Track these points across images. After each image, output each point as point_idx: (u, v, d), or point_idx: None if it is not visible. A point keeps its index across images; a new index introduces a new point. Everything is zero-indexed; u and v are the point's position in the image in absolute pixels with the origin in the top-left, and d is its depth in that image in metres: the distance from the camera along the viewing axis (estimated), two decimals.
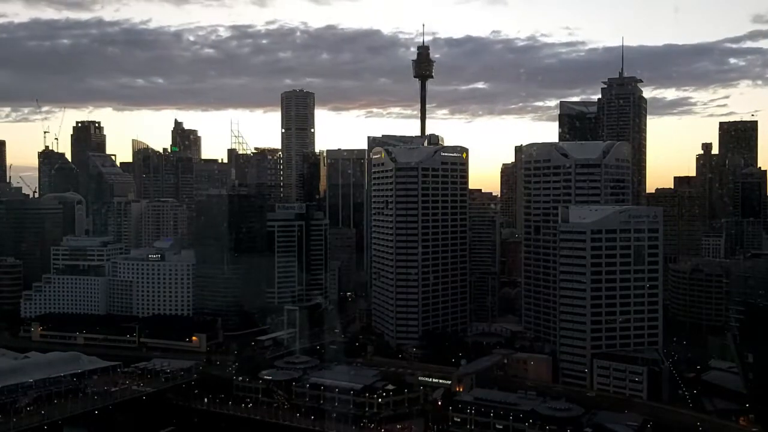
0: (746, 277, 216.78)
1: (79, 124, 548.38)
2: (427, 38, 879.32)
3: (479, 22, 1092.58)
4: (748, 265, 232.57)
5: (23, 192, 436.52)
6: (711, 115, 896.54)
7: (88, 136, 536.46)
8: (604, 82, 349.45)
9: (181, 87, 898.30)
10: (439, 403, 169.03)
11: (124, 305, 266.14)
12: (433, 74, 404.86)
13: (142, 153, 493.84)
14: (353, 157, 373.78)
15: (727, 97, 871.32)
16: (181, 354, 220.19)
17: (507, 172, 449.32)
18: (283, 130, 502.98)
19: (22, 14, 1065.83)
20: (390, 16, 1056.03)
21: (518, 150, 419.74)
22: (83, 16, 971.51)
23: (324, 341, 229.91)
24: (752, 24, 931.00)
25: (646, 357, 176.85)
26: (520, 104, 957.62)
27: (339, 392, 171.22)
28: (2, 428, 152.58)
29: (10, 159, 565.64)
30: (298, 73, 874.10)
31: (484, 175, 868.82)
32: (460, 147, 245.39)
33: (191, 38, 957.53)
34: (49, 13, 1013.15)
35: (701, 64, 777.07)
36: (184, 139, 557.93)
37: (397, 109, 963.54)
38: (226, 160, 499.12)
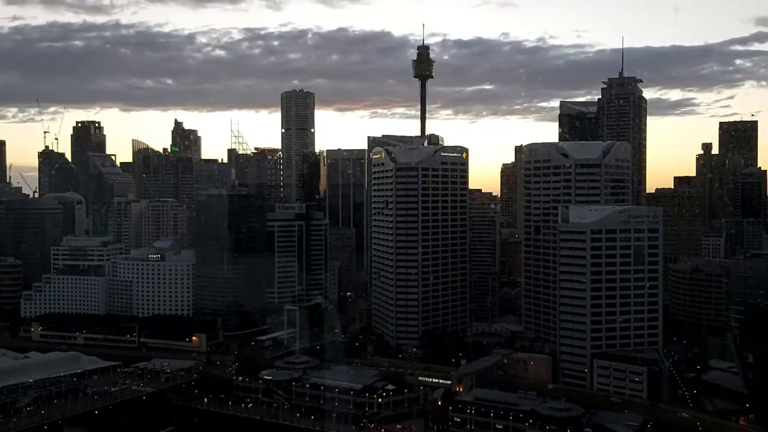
0: (746, 277, 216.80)
1: (79, 124, 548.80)
2: (437, 39, 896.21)
3: (489, 24, 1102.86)
4: (748, 265, 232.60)
5: (23, 192, 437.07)
6: (713, 116, 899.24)
7: (88, 136, 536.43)
8: (604, 82, 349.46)
9: (190, 88, 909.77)
10: (439, 403, 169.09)
11: (124, 305, 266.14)
12: (433, 74, 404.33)
13: (142, 153, 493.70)
14: (353, 157, 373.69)
15: (731, 97, 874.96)
16: (181, 354, 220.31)
17: (507, 172, 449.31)
18: (283, 130, 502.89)
19: (40, 17, 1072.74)
20: (402, 18, 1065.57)
21: (518, 150, 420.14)
22: (100, 19, 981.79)
23: (324, 341, 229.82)
24: (755, 26, 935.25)
25: (646, 357, 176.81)
26: (525, 105, 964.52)
27: (339, 392, 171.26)
28: (2, 428, 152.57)
29: (10, 159, 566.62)
30: (306, 74, 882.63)
31: (484, 175, 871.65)
32: (460, 147, 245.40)
33: (203, 40, 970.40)
34: (67, 17, 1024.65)
35: (706, 65, 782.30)
36: (184, 139, 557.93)
37: (401, 110, 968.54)
38: (226, 160, 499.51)
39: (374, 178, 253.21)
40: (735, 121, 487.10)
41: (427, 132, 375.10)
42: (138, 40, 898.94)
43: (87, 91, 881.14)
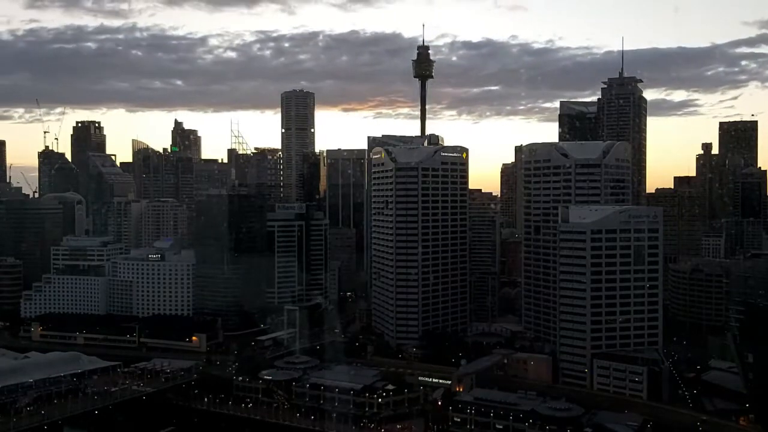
0: (746, 277, 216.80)
1: (79, 125, 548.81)
2: (446, 41, 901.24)
3: (499, 27, 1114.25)
4: (748, 265, 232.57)
5: (23, 191, 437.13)
6: (715, 117, 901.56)
7: (88, 136, 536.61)
8: (604, 82, 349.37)
9: (197, 89, 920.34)
10: (439, 403, 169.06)
11: (124, 305, 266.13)
12: (432, 74, 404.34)
13: (142, 153, 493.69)
14: (353, 157, 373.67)
15: (735, 98, 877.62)
16: (181, 354, 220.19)
17: (507, 172, 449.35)
18: (283, 130, 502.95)
19: (58, 21, 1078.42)
20: (415, 21, 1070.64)
21: (518, 150, 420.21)
22: (117, 23, 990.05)
23: (324, 341, 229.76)
24: (759, 29, 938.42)
25: (646, 357, 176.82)
26: (529, 105, 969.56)
27: (339, 392, 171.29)
28: (2, 428, 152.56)
29: (10, 159, 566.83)
30: (314, 75, 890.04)
31: (484, 175, 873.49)
32: (460, 147, 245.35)
33: (215, 42, 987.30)
34: (85, 20, 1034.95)
35: (711, 66, 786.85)
36: (184, 139, 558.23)
37: (405, 110, 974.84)
38: (226, 160, 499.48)
39: (374, 178, 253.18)
40: (735, 121, 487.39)
41: (428, 132, 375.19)
42: (150, 42, 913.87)
43: (94, 92, 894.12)
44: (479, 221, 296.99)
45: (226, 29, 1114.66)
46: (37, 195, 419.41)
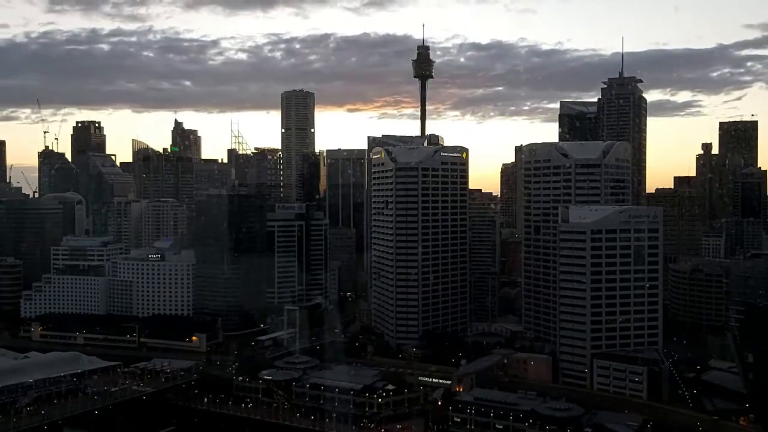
0: (746, 277, 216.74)
1: (79, 124, 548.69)
2: (455, 42, 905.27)
3: (508, 29, 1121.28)
4: (748, 265, 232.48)
5: (23, 191, 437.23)
6: (719, 118, 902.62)
7: (88, 136, 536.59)
8: (604, 82, 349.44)
9: (205, 90, 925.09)
10: (439, 403, 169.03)
11: (124, 305, 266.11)
12: (432, 74, 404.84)
13: (142, 153, 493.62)
14: (353, 157, 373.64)
15: (739, 98, 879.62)
16: (181, 354, 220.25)
17: (507, 172, 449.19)
18: (283, 130, 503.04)
19: (77, 24, 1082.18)
20: (426, 24, 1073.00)
21: (518, 150, 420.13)
22: (133, 26, 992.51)
23: (324, 341, 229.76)
24: (763, 31, 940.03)
25: (646, 357, 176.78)
26: (533, 106, 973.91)
27: (339, 392, 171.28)
28: (2, 428, 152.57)
29: (10, 159, 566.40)
30: (322, 75, 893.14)
31: (485, 175, 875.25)
32: (460, 147, 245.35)
33: (227, 44, 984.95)
34: (102, 24, 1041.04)
35: (716, 67, 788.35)
36: (184, 139, 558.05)
37: (410, 110, 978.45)
38: (226, 160, 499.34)
39: (374, 178, 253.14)
40: (735, 121, 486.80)
41: (429, 132, 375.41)
42: (163, 44, 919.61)
43: (102, 92, 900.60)
44: (479, 221, 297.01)
45: (240, 32, 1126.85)
46: (37, 195, 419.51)
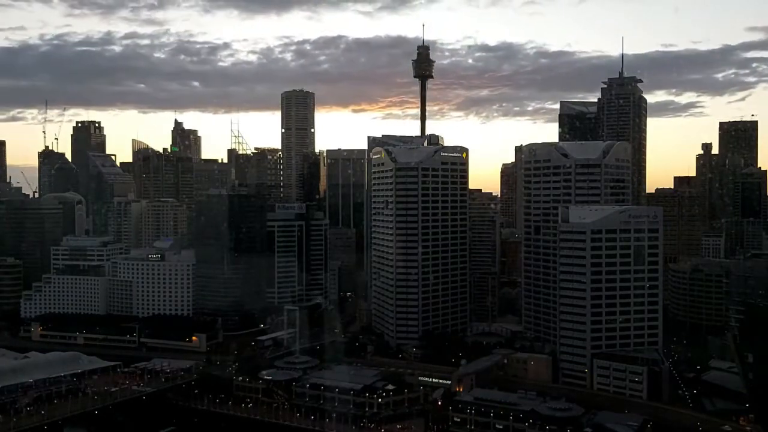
0: (746, 277, 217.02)
1: (79, 124, 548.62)
2: (465, 43, 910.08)
3: (517, 31, 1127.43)
4: (748, 265, 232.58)
5: (23, 191, 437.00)
6: (721, 118, 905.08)
7: (88, 136, 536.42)
8: (604, 83, 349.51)
9: (214, 90, 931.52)
10: (439, 403, 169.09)
11: (124, 305, 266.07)
12: (432, 74, 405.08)
13: (142, 153, 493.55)
14: (353, 157, 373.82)
15: (743, 99, 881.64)
16: (181, 354, 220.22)
17: (507, 172, 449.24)
18: (283, 130, 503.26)
19: (95, 28, 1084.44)
20: (438, 27, 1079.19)
21: (518, 150, 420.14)
22: (149, 29, 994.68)
23: (324, 341, 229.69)
24: (766, 34, 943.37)
25: (646, 357, 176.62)
26: (537, 106, 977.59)
27: (339, 392, 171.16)
28: (2, 428, 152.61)
29: (10, 159, 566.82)
30: (330, 76, 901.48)
31: (485, 175, 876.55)
32: (460, 147, 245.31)
33: (238, 46, 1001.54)
34: (120, 27, 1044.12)
35: (721, 68, 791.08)
36: (184, 139, 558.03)
37: (414, 110, 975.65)
38: (226, 160, 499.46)
39: (374, 178, 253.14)
40: (735, 121, 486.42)
41: (429, 132, 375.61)
42: (176, 46, 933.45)
43: (110, 93, 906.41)
44: (479, 221, 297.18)
45: (253, 35, 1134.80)
46: (37, 195, 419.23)
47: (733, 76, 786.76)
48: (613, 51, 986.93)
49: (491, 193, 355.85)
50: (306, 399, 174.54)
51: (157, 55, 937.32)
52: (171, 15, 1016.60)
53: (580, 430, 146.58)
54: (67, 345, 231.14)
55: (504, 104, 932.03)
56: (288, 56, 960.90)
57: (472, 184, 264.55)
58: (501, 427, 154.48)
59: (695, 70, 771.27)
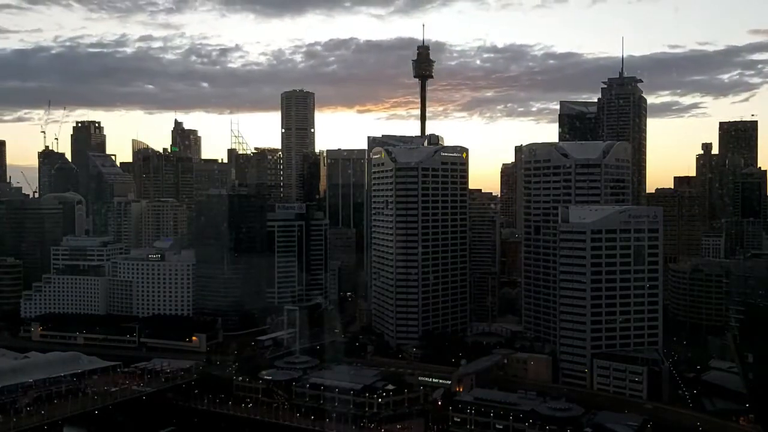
0: (746, 277, 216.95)
1: (80, 124, 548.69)
2: (475, 45, 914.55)
3: (526, 33, 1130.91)
4: (748, 265, 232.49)
5: (23, 191, 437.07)
6: (724, 119, 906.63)
7: (88, 136, 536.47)
8: (604, 83, 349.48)
9: (221, 91, 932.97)
10: (439, 403, 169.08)
11: (124, 305, 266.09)
12: (432, 74, 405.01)
13: (142, 153, 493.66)
14: (353, 157, 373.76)
15: (747, 100, 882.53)
16: (181, 354, 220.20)
17: (507, 172, 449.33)
18: (283, 130, 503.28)
19: (111, 31, 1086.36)
20: (449, 29, 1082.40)
21: (518, 150, 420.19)
22: (164, 33, 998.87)
23: (324, 341, 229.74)
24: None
25: (646, 357, 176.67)
26: (540, 107, 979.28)
27: (339, 392, 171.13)
28: (2, 428, 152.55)
29: (10, 159, 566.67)
30: (337, 77, 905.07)
31: (485, 175, 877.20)
32: (460, 147, 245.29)
33: (249, 48, 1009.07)
34: (137, 30, 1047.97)
35: (727, 68, 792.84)
36: (184, 139, 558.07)
37: (418, 111, 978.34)
38: (226, 160, 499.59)
39: (374, 178, 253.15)
40: (735, 121, 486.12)
41: (429, 132, 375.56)
42: (188, 47, 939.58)
43: (117, 94, 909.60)
44: (479, 221, 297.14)
45: (266, 38, 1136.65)
46: (37, 195, 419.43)
47: (737, 77, 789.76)
48: (621, 52, 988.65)
49: (491, 193, 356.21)
50: (306, 399, 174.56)
51: (167, 56, 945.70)
52: (188, 19, 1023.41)
53: (580, 430, 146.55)
54: (67, 345, 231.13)
55: (509, 105, 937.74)
56: (297, 57, 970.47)
57: (473, 184, 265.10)
58: (501, 427, 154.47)
59: (700, 71, 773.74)
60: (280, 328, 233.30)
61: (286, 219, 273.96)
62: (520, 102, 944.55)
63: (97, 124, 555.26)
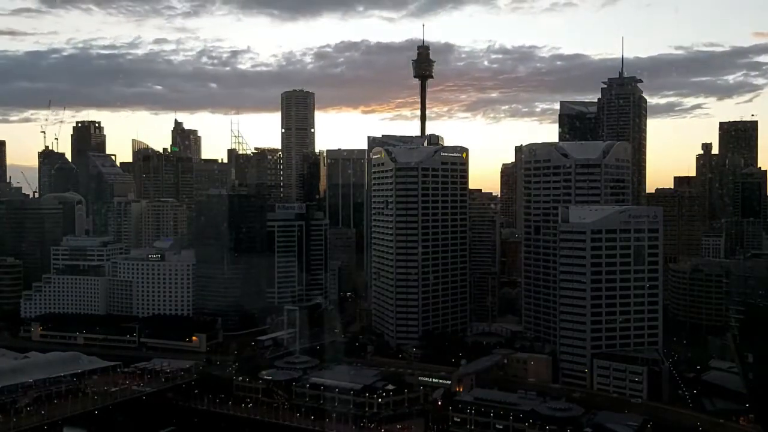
0: (746, 277, 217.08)
1: (80, 124, 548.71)
2: (484, 46, 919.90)
3: (533, 34, 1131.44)
4: (748, 265, 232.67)
5: (23, 191, 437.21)
6: (726, 119, 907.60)
7: (88, 136, 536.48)
8: (604, 83, 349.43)
9: (229, 92, 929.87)
10: (439, 403, 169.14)
11: (124, 305, 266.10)
12: (432, 74, 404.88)
13: (142, 153, 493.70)
14: (353, 157, 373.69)
15: (750, 101, 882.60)
16: (181, 354, 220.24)
17: (507, 172, 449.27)
18: (283, 130, 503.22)
19: (126, 34, 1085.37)
20: (460, 31, 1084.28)
21: (518, 150, 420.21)
22: (179, 35, 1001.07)
23: (324, 341, 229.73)
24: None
25: (646, 357, 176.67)
26: (545, 107, 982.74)
27: (339, 392, 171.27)
28: (2, 428, 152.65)
29: (10, 159, 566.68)
30: (344, 78, 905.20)
31: (485, 175, 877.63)
32: (460, 147, 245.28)
33: (260, 50, 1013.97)
34: (153, 33, 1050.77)
35: (731, 69, 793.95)
36: (184, 139, 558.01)
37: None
38: (226, 160, 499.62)
39: (374, 178, 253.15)
40: (735, 121, 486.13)
41: (430, 132, 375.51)
42: (200, 49, 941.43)
43: (124, 95, 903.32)
44: (479, 221, 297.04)
45: (278, 41, 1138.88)
46: (37, 195, 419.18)
47: (742, 78, 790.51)
48: (628, 53, 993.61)
49: (491, 193, 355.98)
50: (306, 399, 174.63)
51: (178, 58, 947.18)
52: (204, 23, 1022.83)
53: (580, 430, 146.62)
54: (67, 345, 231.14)
55: (513, 105, 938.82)
56: (307, 59, 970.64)
57: (473, 184, 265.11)
58: (501, 427, 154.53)
59: (705, 72, 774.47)
60: (280, 328, 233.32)
61: (286, 219, 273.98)
62: (525, 102, 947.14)
63: (97, 124, 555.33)
